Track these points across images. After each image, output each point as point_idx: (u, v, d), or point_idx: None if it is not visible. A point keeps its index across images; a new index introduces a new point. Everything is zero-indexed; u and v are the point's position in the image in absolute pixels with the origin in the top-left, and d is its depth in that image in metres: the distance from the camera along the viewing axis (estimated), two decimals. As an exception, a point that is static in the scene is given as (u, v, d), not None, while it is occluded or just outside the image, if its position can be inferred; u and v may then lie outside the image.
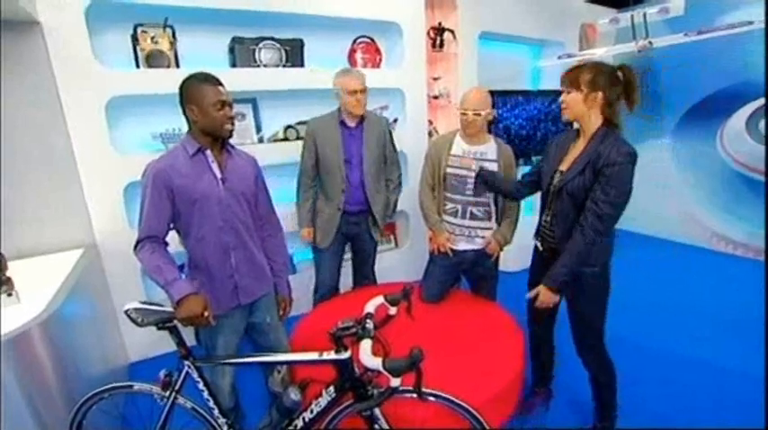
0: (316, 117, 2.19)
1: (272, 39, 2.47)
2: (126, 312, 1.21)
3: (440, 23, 3.13)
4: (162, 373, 1.28)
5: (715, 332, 2.59)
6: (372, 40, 2.91)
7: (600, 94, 1.40)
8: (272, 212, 1.62)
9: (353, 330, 1.16)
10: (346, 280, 2.54)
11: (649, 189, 4.28)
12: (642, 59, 4.01)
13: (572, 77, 1.42)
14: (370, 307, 1.27)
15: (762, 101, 3.43)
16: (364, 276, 2.48)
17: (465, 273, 2.19)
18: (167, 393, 1.28)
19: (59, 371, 1.43)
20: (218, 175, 1.37)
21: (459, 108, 1.91)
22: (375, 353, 1.08)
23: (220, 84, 1.33)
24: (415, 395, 1.13)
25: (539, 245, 1.68)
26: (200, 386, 1.29)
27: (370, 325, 1.17)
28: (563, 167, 1.51)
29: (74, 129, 2.02)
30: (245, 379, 1.64)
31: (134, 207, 2.25)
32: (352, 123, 2.14)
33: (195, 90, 1.30)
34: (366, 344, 1.08)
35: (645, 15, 3.08)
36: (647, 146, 4.23)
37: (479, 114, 1.86)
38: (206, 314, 1.21)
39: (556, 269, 1.46)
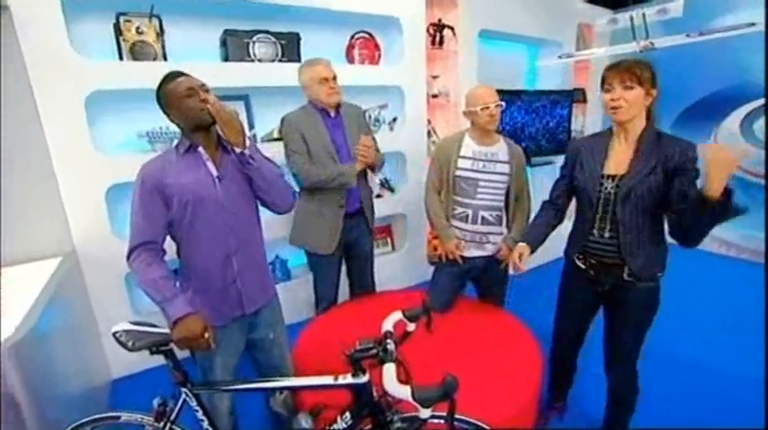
0: (290, 113, 1.97)
1: (267, 32, 2.32)
2: (114, 335, 1.07)
3: (439, 20, 3.03)
4: (156, 402, 1.14)
5: (711, 332, 2.57)
6: (371, 35, 2.79)
7: (655, 91, 1.32)
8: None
9: (374, 352, 1.04)
10: (343, 288, 2.40)
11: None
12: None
13: (634, 72, 1.28)
14: (389, 324, 1.15)
15: (756, 103, 3.45)
16: (364, 284, 2.32)
17: (474, 281, 2.10)
18: (161, 424, 1.14)
19: (34, 397, 1.28)
20: (214, 173, 1.25)
21: (473, 107, 1.80)
22: (398, 378, 0.97)
23: (184, 75, 1.23)
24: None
25: (579, 262, 1.51)
26: (200, 415, 1.15)
27: (391, 346, 1.05)
28: (613, 172, 1.38)
29: (49, 126, 1.84)
30: (243, 398, 1.51)
31: (118, 211, 2.09)
32: (332, 112, 1.99)
33: (165, 92, 1.21)
34: (390, 370, 0.97)
35: (644, 16, 3.06)
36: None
37: (500, 105, 1.79)
38: (206, 336, 1.08)
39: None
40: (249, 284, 1.34)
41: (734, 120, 3.60)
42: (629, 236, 1.35)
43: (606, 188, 1.38)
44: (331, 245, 2.02)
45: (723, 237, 3.82)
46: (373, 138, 2.14)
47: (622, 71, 1.29)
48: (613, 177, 1.37)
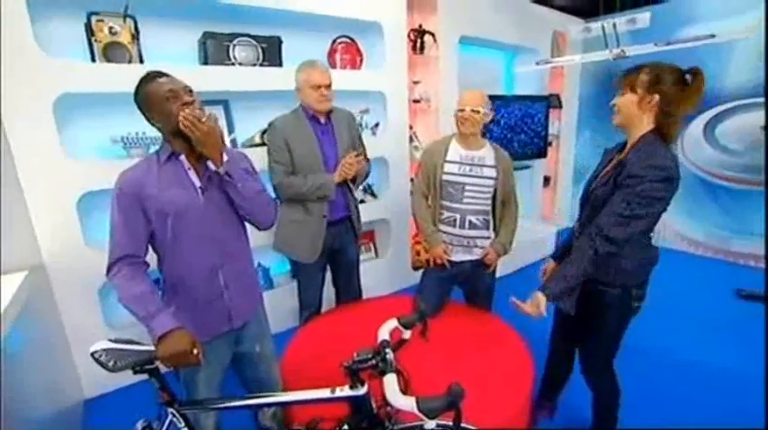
0: (279, 117, 1.93)
1: (248, 35, 2.27)
2: (93, 355, 1.00)
3: (420, 26, 3.06)
4: (140, 424, 1.07)
5: (684, 327, 2.68)
6: (353, 40, 2.78)
7: (656, 98, 1.25)
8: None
9: (373, 362, 1.02)
10: (329, 295, 2.36)
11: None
12: (608, 67, 4.19)
13: (629, 79, 1.28)
14: (385, 332, 1.13)
15: (717, 110, 3.66)
16: (351, 292, 2.29)
17: (461, 285, 2.10)
18: (145, 448, 1.07)
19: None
20: (197, 184, 1.19)
21: (456, 109, 1.82)
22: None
23: (166, 75, 1.17)
24: None
25: None
26: (187, 436, 1.09)
27: (390, 356, 1.03)
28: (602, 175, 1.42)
29: (13, 130, 1.72)
30: (230, 413, 1.44)
31: (91, 221, 1.98)
32: (322, 118, 1.94)
33: (145, 93, 1.13)
34: (392, 381, 0.94)
35: (615, 25, 3.19)
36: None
37: (477, 112, 1.78)
38: (195, 352, 1.02)
39: (554, 278, 1.32)
40: (237, 298, 1.29)
41: (698, 125, 3.79)
42: (582, 234, 1.36)
43: (590, 189, 1.42)
44: (313, 254, 1.98)
45: (689, 235, 4.01)
46: (363, 146, 2.13)
47: (620, 76, 1.31)
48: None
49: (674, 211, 4.09)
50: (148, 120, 1.17)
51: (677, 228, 4.09)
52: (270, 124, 1.93)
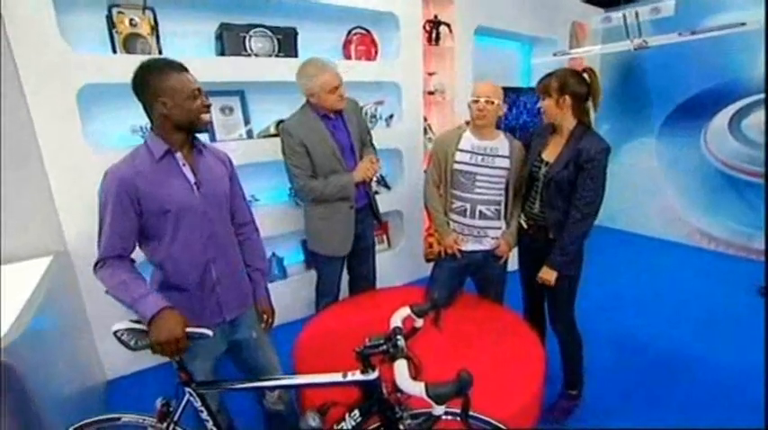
0: (290, 120, 1.93)
1: (264, 27, 2.28)
2: (115, 334, 1.04)
3: (435, 16, 3.03)
4: (159, 402, 1.12)
5: (699, 326, 2.62)
6: (368, 31, 2.77)
7: (567, 98, 1.61)
8: (249, 211, 1.45)
9: (384, 348, 1.03)
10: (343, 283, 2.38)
11: (636, 188, 4.35)
12: (629, 58, 4.08)
13: (543, 86, 1.65)
14: (397, 320, 1.14)
15: (743, 101, 3.53)
16: (365, 278, 2.31)
17: (472, 275, 2.10)
18: (165, 424, 1.11)
19: (29, 399, 1.24)
20: (192, 180, 1.19)
21: (470, 98, 1.81)
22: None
23: (186, 69, 1.17)
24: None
25: (523, 223, 1.88)
26: (204, 415, 1.13)
27: (401, 342, 1.04)
28: (547, 158, 1.71)
29: (39, 121, 1.78)
30: (234, 398, 1.50)
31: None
32: (332, 114, 1.95)
33: (164, 80, 1.10)
34: (402, 366, 0.96)
35: (637, 14, 3.10)
36: (636, 144, 4.31)
37: (492, 102, 1.77)
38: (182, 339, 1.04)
39: (556, 254, 1.67)
40: (228, 291, 1.30)
41: (722, 117, 3.66)
42: (552, 212, 1.71)
43: (541, 170, 1.72)
44: (345, 248, 2.04)
45: (710, 233, 3.90)
46: (369, 133, 2.17)
47: (538, 86, 1.70)
48: (547, 163, 1.70)
49: (692, 206, 3.99)
50: (152, 106, 1.12)
51: (694, 223, 3.98)
52: (282, 129, 1.92)
